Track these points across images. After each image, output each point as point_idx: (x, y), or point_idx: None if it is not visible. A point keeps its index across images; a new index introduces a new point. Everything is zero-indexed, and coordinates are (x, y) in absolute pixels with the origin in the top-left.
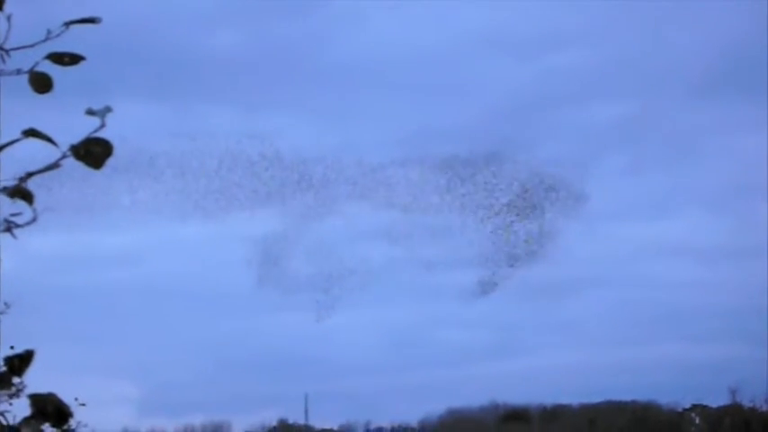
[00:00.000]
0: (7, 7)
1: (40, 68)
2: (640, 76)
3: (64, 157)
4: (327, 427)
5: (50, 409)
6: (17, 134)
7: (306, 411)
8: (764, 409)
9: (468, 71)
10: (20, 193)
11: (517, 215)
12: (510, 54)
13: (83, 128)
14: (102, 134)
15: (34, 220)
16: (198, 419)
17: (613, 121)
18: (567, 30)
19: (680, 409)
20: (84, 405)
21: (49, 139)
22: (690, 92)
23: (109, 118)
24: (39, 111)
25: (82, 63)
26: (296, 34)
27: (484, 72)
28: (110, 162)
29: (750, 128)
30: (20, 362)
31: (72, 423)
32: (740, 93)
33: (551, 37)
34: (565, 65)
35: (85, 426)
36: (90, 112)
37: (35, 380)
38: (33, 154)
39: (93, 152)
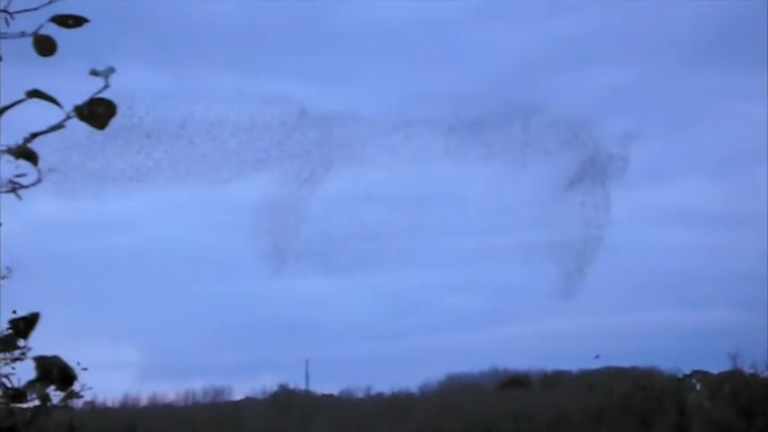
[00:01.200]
0: None
1: (43, 31)
2: (641, 43)
3: (68, 118)
4: (328, 392)
5: (55, 371)
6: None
7: (306, 377)
8: (765, 374)
9: (468, 37)
10: (24, 153)
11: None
12: (511, 20)
13: (86, 93)
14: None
15: (39, 181)
16: (199, 384)
17: (613, 88)
18: None
19: (680, 376)
20: (86, 369)
21: (52, 100)
22: (690, 59)
23: (113, 81)
24: (42, 76)
25: (86, 26)
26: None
27: (485, 37)
28: (111, 127)
29: (750, 95)
30: (25, 325)
31: (76, 386)
32: (740, 60)
33: (552, 3)
34: (566, 30)
35: (90, 388)
36: (94, 73)
37: (37, 345)
38: (38, 118)
39: (97, 113)
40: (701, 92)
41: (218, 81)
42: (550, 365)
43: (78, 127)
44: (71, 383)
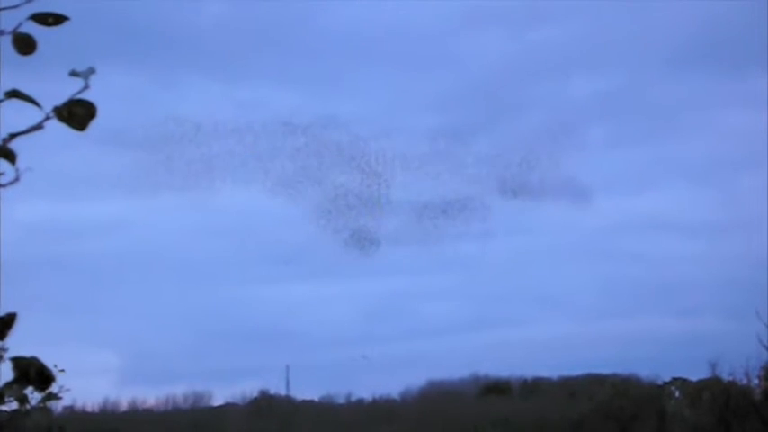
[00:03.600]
0: None
1: (23, 30)
2: (622, 50)
3: (47, 118)
4: (308, 398)
5: (33, 372)
6: None
7: (287, 383)
8: (744, 382)
9: (452, 44)
10: (2, 152)
11: (499, 186)
12: (495, 27)
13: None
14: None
15: (17, 179)
16: (179, 390)
17: (595, 95)
18: (551, 3)
19: (660, 383)
20: (63, 371)
21: (31, 101)
22: (671, 65)
23: (93, 87)
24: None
25: (67, 28)
26: (281, 5)
27: (468, 45)
28: (93, 132)
29: (731, 102)
30: (2, 325)
31: (55, 387)
32: (722, 67)
33: (535, 10)
34: (548, 38)
35: (68, 390)
36: (74, 74)
37: (15, 348)
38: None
39: (77, 114)
40: (682, 98)
41: (200, 85)
42: (531, 372)
43: (58, 128)
44: (49, 385)
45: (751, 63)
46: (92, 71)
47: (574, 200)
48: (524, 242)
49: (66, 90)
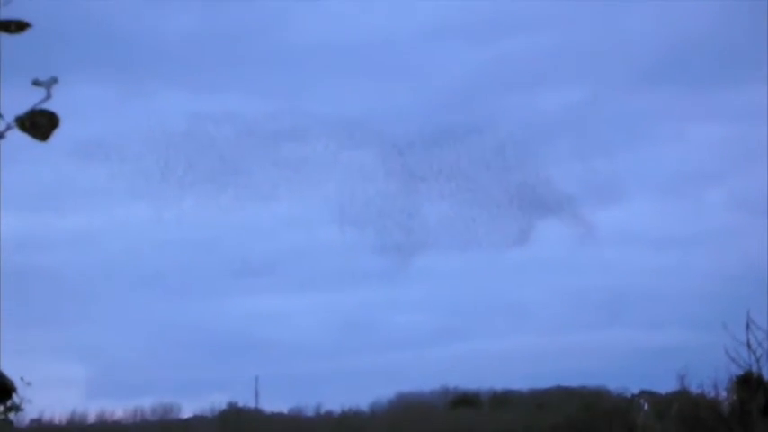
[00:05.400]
0: None
1: None
2: (590, 62)
3: (8, 128)
4: (278, 410)
5: None
6: None
7: (256, 395)
8: (712, 395)
9: (421, 56)
10: None
11: (467, 200)
12: (463, 39)
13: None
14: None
15: None
16: (147, 402)
17: (563, 107)
18: (519, 15)
19: (628, 395)
20: (29, 384)
21: None
22: (640, 78)
23: (61, 98)
24: None
25: (33, 37)
26: (251, 16)
27: (438, 57)
28: (61, 143)
29: (699, 115)
30: None
31: (16, 399)
32: (690, 80)
33: (503, 22)
34: (517, 50)
35: (30, 401)
36: (36, 83)
37: None
38: None
39: (39, 124)
40: (651, 111)
41: (168, 97)
42: (500, 384)
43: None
44: (9, 396)
45: (719, 77)
46: (54, 81)
47: (542, 212)
48: (493, 254)
49: (30, 100)
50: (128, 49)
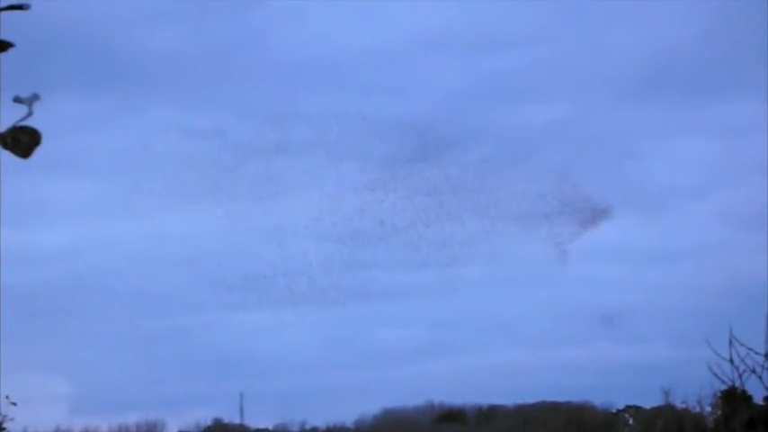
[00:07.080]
0: None
1: None
2: (575, 78)
3: None
4: (262, 426)
5: None
6: None
7: (241, 411)
8: (697, 409)
9: (406, 71)
10: None
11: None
12: (449, 55)
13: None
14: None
15: None
16: (132, 418)
17: (549, 123)
18: (506, 32)
19: (614, 410)
20: (15, 404)
21: None
22: (625, 94)
23: (45, 114)
24: None
25: (18, 55)
26: (236, 32)
27: (422, 72)
28: (45, 159)
29: (683, 131)
30: None
31: None
32: (675, 96)
33: (490, 39)
34: (503, 66)
35: (12, 419)
36: (17, 100)
37: None
38: None
39: (21, 141)
40: (634, 127)
41: (154, 113)
42: (486, 400)
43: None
44: None
45: (703, 92)
46: (36, 97)
47: (527, 227)
48: (478, 270)
49: (12, 117)
50: (115, 65)
